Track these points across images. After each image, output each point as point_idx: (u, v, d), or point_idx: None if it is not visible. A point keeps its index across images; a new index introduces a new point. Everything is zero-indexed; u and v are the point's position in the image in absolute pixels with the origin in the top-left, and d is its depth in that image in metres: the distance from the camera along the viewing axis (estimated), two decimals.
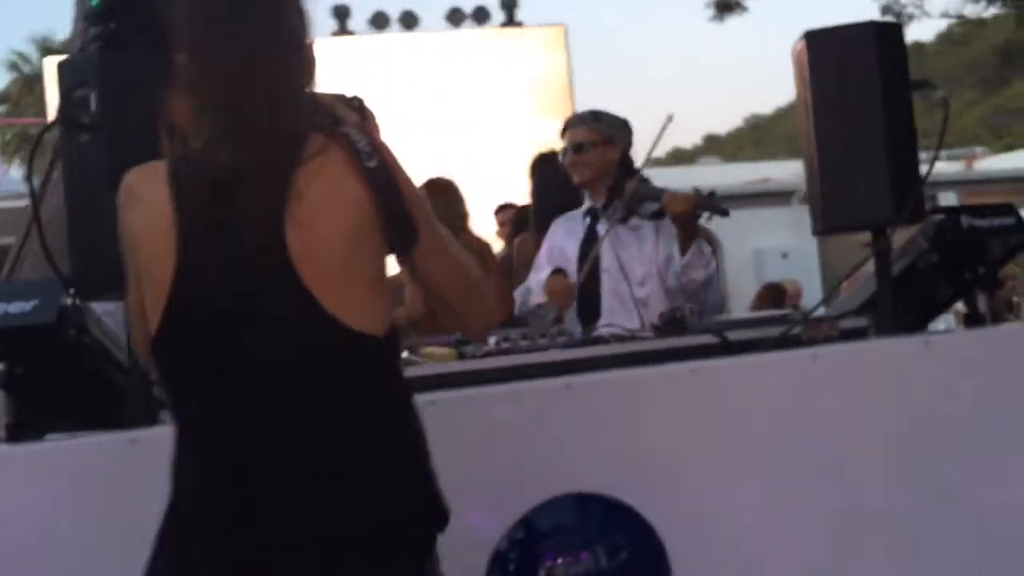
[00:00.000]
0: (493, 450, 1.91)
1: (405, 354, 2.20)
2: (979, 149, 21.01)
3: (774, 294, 6.45)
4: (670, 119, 2.90)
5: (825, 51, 2.24)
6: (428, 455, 1.34)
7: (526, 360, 2.13)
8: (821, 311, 2.37)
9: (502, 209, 5.31)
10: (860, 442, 2.06)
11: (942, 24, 9.53)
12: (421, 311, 2.52)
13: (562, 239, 3.11)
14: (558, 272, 2.96)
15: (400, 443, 1.31)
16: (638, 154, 3.13)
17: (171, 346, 1.28)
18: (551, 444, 1.96)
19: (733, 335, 2.25)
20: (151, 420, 1.85)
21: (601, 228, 2.99)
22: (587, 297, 2.92)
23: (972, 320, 2.36)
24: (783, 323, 2.34)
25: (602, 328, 2.58)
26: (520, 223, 4.49)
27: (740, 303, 9.53)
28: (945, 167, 18.11)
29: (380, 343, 1.28)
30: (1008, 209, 2.42)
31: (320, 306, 1.22)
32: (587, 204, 3.11)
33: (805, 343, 2.23)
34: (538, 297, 2.98)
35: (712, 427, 2.01)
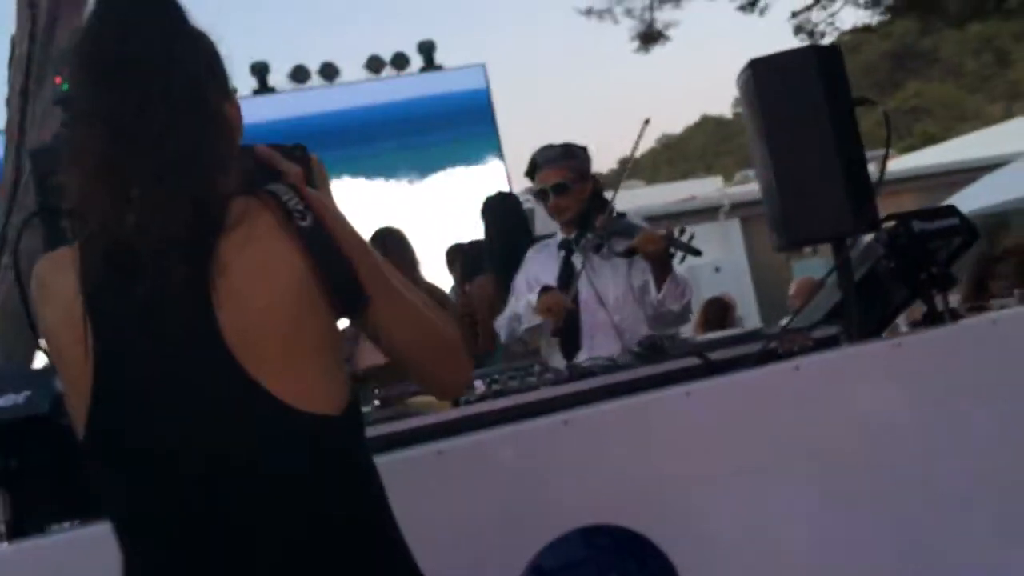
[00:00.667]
0: (502, 493, 1.94)
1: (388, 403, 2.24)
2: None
3: (719, 308, 6.58)
4: (647, 123, 2.99)
5: (771, 77, 2.36)
6: (394, 542, 1.21)
7: (520, 400, 2.16)
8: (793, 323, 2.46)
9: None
10: (848, 446, 2.14)
11: (880, 27, 10.00)
12: (374, 363, 2.53)
13: (538, 269, 3.19)
14: (548, 288, 3.02)
15: (363, 536, 1.18)
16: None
17: (97, 448, 1.14)
18: (556, 481, 1.99)
19: (712, 355, 2.33)
20: None
21: (576, 260, 3.07)
22: (567, 331, 2.98)
23: (932, 319, 2.48)
24: (755, 339, 2.42)
25: (584, 360, 2.63)
26: (471, 262, 4.52)
27: None
28: None
29: (336, 423, 1.14)
30: (951, 211, 2.56)
31: (263, 389, 1.09)
32: (560, 236, 3.18)
33: (783, 356, 2.32)
34: (530, 322, 3.04)
35: (711, 447, 2.07)
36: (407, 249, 3.94)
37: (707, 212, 11.75)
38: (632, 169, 3.32)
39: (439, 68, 9.39)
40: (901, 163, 17.84)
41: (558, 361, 2.93)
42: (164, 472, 1.12)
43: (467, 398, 2.20)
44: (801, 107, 2.34)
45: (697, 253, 2.89)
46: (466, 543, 1.88)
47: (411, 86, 9.38)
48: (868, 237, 2.54)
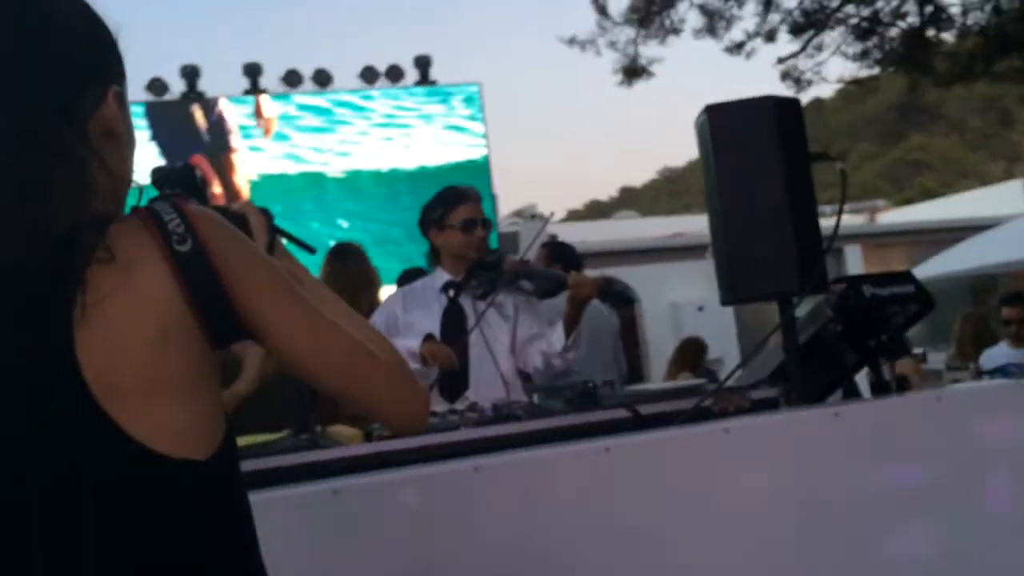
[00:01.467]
0: (399, 539, 1.83)
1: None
2: (881, 202, 21.90)
3: (694, 348, 6.50)
4: (550, 216, 3.01)
5: (726, 124, 2.28)
6: None
7: (435, 440, 2.06)
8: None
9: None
10: (774, 515, 2.04)
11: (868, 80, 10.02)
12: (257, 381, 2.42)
13: (408, 312, 3.09)
14: (430, 337, 2.93)
15: None
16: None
17: None
18: (461, 531, 1.89)
19: (645, 408, 2.23)
20: None
21: (465, 301, 3.03)
22: (453, 373, 2.90)
23: (878, 388, 2.39)
24: (695, 393, 2.33)
25: (507, 402, 2.54)
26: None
27: (659, 356, 9.64)
28: (849, 220, 18.83)
29: (203, 467, 1.02)
30: (906, 277, 2.48)
31: (121, 431, 0.98)
32: (444, 278, 3.10)
33: (717, 415, 2.22)
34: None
35: (626, 506, 1.97)
36: (366, 266, 3.82)
37: (694, 250, 11.66)
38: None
39: (433, 83, 9.33)
40: (895, 216, 17.86)
41: (440, 405, 2.85)
42: (4, 511, 1.00)
43: (380, 432, 2.10)
44: (754, 158, 2.25)
45: (629, 302, 2.86)
46: None
47: (405, 100, 9.32)
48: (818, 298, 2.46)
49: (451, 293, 3.05)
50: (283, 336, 1.08)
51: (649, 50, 9.82)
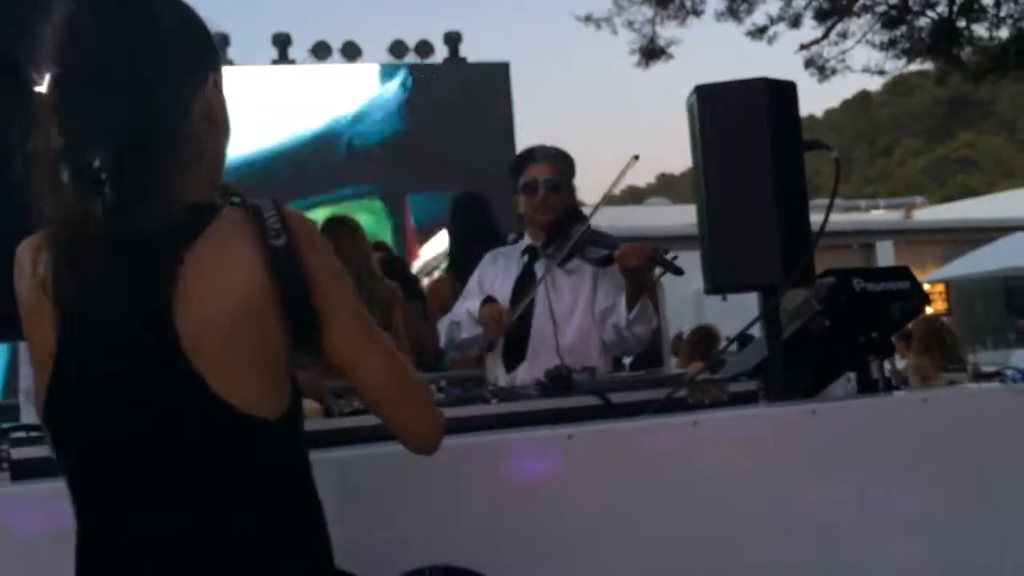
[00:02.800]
0: (352, 518, 1.79)
1: None
2: (919, 199, 21.49)
3: (705, 337, 6.40)
4: (635, 159, 2.81)
5: (716, 107, 2.19)
6: (318, 551, 1.25)
7: None
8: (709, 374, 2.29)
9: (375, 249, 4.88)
10: (736, 511, 1.97)
11: (891, 73, 9.77)
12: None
13: (495, 275, 3.04)
14: (491, 300, 2.87)
15: (282, 542, 1.20)
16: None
17: (53, 425, 1.21)
18: (415, 511, 1.84)
19: (619, 397, 2.16)
20: None
21: (539, 268, 2.93)
22: (515, 339, 2.84)
23: (864, 387, 2.30)
24: (672, 384, 2.26)
25: (502, 381, 2.49)
26: (389, 263, 4.31)
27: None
28: (884, 216, 18.48)
29: (272, 425, 1.18)
30: (903, 272, 2.38)
31: (208, 388, 1.14)
32: (526, 242, 3.04)
33: (691, 407, 2.15)
34: (469, 330, 2.90)
35: (585, 495, 1.91)
36: (360, 239, 3.79)
37: None
38: (610, 197, 3.12)
39: (463, 60, 9.25)
40: (932, 213, 17.49)
41: (500, 372, 2.80)
42: (101, 457, 1.18)
43: (342, 410, 2.06)
44: (744, 143, 2.17)
45: (679, 272, 2.73)
46: None
47: (433, 76, 9.24)
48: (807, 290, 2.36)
49: (526, 258, 2.99)
50: (338, 337, 1.22)
51: (668, 31, 9.64)
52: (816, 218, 2.29)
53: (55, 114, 1.16)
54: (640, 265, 2.71)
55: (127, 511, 1.18)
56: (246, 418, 1.15)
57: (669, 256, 2.71)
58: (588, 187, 3.11)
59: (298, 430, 1.26)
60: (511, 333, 2.85)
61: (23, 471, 1.69)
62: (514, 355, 2.89)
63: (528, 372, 2.79)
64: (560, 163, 2.99)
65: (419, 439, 1.34)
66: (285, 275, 1.16)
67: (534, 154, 3.00)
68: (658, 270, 2.77)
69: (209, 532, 1.17)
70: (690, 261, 2.76)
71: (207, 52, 1.26)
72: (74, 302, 1.15)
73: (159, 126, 1.16)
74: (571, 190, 3.00)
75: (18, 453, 1.70)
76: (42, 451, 1.70)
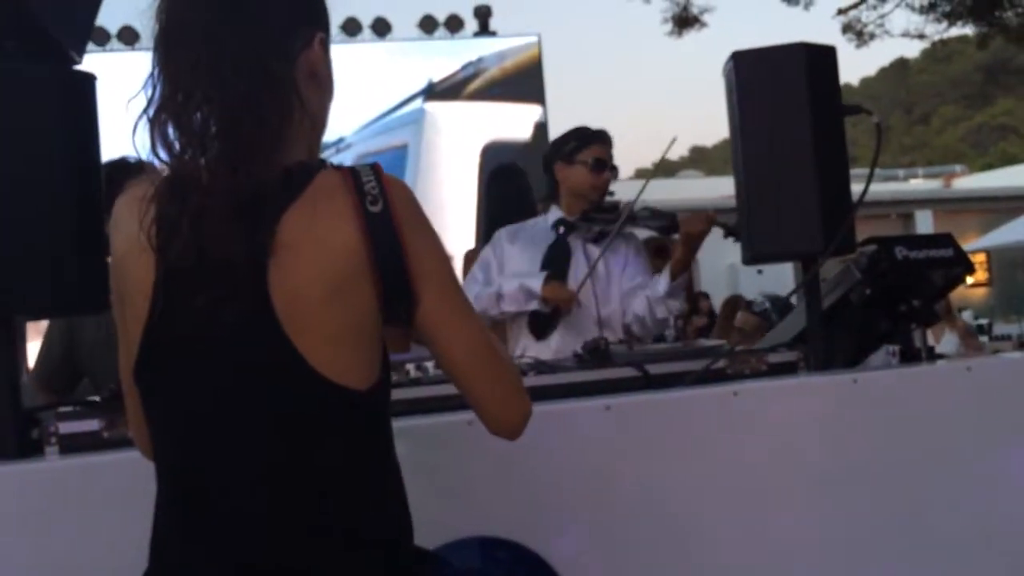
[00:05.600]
0: None
1: None
2: (959, 167, 21.09)
3: (736, 306, 6.36)
4: (674, 140, 3.03)
5: (753, 73, 2.15)
6: (395, 523, 1.23)
7: (433, 392, 2.02)
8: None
9: None
10: (777, 481, 1.96)
11: (931, 37, 9.50)
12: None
13: (519, 251, 3.03)
14: (552, 278, 2.88)
15: (364, 514, 1.19)
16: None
17: (145, 381, 1.21)
18: (456, 483, 1.85)
19: (657, 368, 2.15)
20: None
21: (575, 242, 2.96)
22: (539, 314, 2.85)
23: (906, 356, 2.27)
24: (712, 355, 2.24)
25: (528, 355, 2.49)
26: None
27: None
28: (923, 185, 18.17)
29: (361, 395, 1.16)
30: (946, 240, 2.33)
31: (297, 353, 1.12)
32: (555, 215, 3.04)
33: (730, 377, 2.14)
34: (516, 305, 2.90)
35: (623, 466, 1.91)
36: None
37: None
38: (659, 174, 3.22)
39: (493, 34, 9.20)
40: (972, 182, 17.13)
41: (527, 340, 2.81)
42: (190, 417, 1.17)
43: None
44: (782, 109, 2.13)
45: (738, 236, 2.73)
46: None
47: (464, 50, 9.21)
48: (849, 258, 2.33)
49: (561, 230, 2.99)
50: (431, 309, 1.19)
51: None
52: (855, 187, 2.26)
53: (163, 67, 1.17)
54: (704, 231, 2.71)
55: (209, 473, 1.17)
56: (333, 387, 1.14)
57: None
58: (620, 159, 3.12)
59: (385, 403, 1.24)
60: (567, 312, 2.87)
61: (72, 445, 1.72)
62: (543, 327, 2.89)
63: (562, 342, 2.81)
64: (610, 145, 3.08)
65: (502, 421, 1.26)
66: (381, 242, 1.14)
67: (602, 134, 3.06)
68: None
69: (289, 500, 1.16)
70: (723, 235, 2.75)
71: (315, 8, 1.25)
72: (174, 257, 1.14)
73: (268, 80, 1.15)
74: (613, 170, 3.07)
75: (66, 428, 1.73)
76: (90, 425, 1.74)
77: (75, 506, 1.64)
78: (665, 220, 2.85)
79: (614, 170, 3.02)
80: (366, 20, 8.97)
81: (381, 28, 8.99)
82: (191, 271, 1.13)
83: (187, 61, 1.14)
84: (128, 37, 8.31)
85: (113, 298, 1.27)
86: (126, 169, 2.33)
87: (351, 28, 8.94)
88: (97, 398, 1.88)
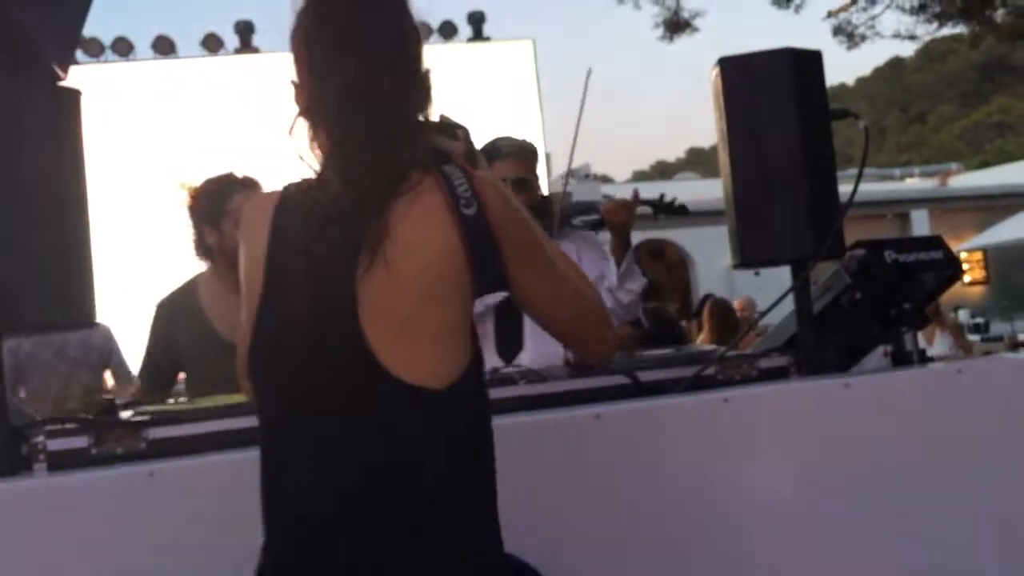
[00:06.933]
0: None
1: None
2: (954, 165, 21.12)
3: (722, 309, 6.37)
4: (589, 72, 2.76)
5: (740, 79, 2.15)
6: (484, 520, 1.27)
7: None
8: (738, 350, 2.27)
9: None
10: (772, 486, 1.96)
11: (922, 38, 9.54)
12: None
13: None
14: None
15: (449, 507, 1.22)
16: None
17: (252, 379, 1.28)
18: None
19: (648, 375, 2.15)
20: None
21: None
22: (507, 330, 2.81)
23: (897, 359, 2.27)
24: (702, 361, 2.23)
25: (519, 362, 2.48)
26: None
27: None
28: (919, 184, 18.18)
29: (440, 395, 1.19)
30: (936, 242, 2.33)
31: (380, 365, 1.16)
32: None
33: (720, 383, 2.13)
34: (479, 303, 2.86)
35: (614, 475, 1.90)
36: None
37: None
38: (578, 126, 3.02)
39: (487, 39, 9.20)
40: (968, 180, 17.15)
41: (494, 363, 2.78)
42: (285, 416, 1.23)
43: None
44: (769, 114, 2.13)
45: (682, 211, 2.72)
46: None
47: (458, 56, 9.19)
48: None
49: None
50: (533, 291, 1.28)
51: (692, 3, 9.48)
52: (848, 188, 2.26)
53: (312, 77, 1.23)
54: (624, 218, 2.73)
55: (306, 469, 1.21)
56: (415, 389, 1.17)
57: (667, 200, 2.71)
58: (616, 162, 3.08)
59: (470, 400, 1.26)
60: (504, 326, 2.79)
61: (60, 462, 1.71)
62: (511, 345, 2.83)
63: (530, 358, 2.75)
64: (525, 157, 2.86)
65: (601, 353, 1.44)
66: (477, 244, 1.18)
67: (500, 150, 2.84)
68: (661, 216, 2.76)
69: (380, 498, 1.19)
70: (720, 235, 2.74)
71: (416, 25, 1.30)
72: (280, 262, 1.21)
73: (401, 90, 1.23)
74: (537, 180, 2.90)
75: (54, 444, 1.73)
76: (79, 443, 1.74)
77: (63, 523, 1.63)
78: (596, 213, 2.83)
79: (523, 185, 2.76)
80: None
81: None
82: (290, 273, 1.20)
83: (329, 72, 1.21)
84: (122, 48, 8.30)
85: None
86: (235, 183, 2.57)
87: None
88: (90, 415, 1.87)
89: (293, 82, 1.28)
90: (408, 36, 1.26)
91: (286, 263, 1.21)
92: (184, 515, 1.64)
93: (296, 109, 1.27)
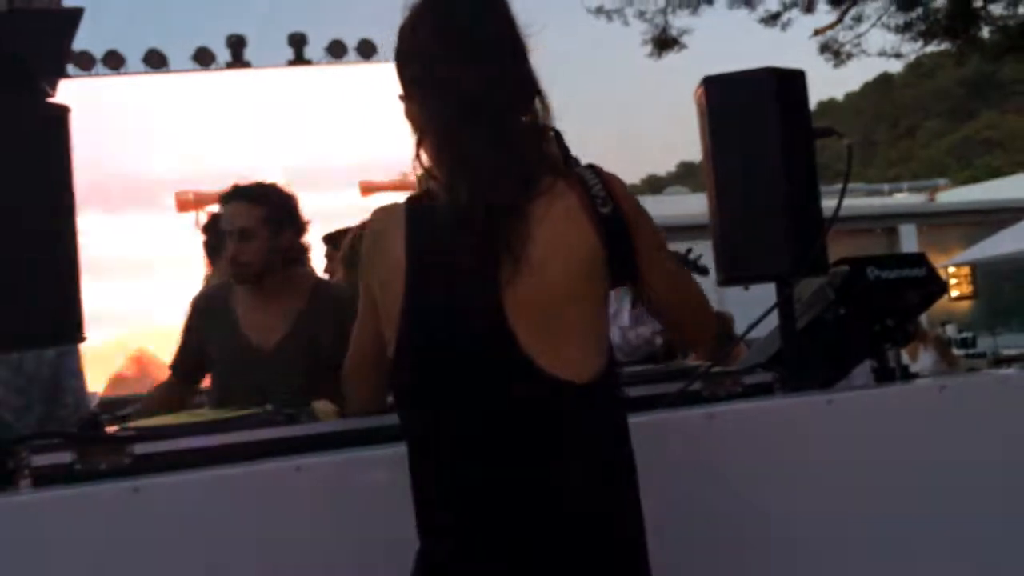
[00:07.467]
0: (362, 520, 1.80)
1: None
2: (942, 181, 21.27)
3: (719, 322, 6.36)
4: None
5: (724, 97, 2.18)
6: (631, 506, 1.33)
7: None
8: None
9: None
10: (755, 503, 1.97)
11: (908, 56, 9.64)
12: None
13: None
14: None
15: (599, 497, 1.28)
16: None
17: (397, 387, 1.33)
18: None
19: (632, 390, 2.16)
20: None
21: None
22: None
23: (880, 375, 2.29)
24: (686, 377, 2.25)
25: None
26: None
27: None
28: (907, 199, 18.31)
29: (584, 388, 1.24)
30: (919, 259, 2.36)
31: (530, 360, 1.21)
32: None
33: (705, 399, 2.14)
34: None
35: None
36: None
37: None
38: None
39: None
40: (956, 195, 17.28)
41: None
42: (437, 421, 1.28)
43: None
44: (752, 133, 2.15)
45: (703, 271, 2.74)
46: (319, 569, 1.75)
47: None
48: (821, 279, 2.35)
49: None
50: (657, 282, 1.35)
51: (680, 20, 9.57)
52: (835, 202, 2.28)
53: (432, 91, 1.27)
54: None
55: (458, 466, 1.27)
56: (561, 383, 1.21)
57: (692, 255, 2.71)
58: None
59: (612, 392, 1.33)
60: None
61: (44, 478, 1.72)
62: None
63: None
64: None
65: (701, 342, 1.57)
66: (614, 242, 1.24)
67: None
68: None
69: (532, 492, 1.23)
70: (708, 250, 2.77)
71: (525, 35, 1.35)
72: (420, 269, 1.24)
73: (522, 98, 1.28)
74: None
75: (39, 460, 1.73)
76: (63, 458, 1.74)
77: (47, 539, 1.63)
78: None
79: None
80: (351, 43, 8.98)
81: (366, 50, 9.00)
82: (436, 284, 1.24)
83: (487, 75, 1.25)
84: (113, 62, 8.30)
85: (362, 284, 1.38)
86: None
87: (337, 50, 8.95)
88: (73, 430, 1.88)
89: (402, 96, 1.32)
90: (522, 45, 1.31)
91: (426, 270, 1.24)
92: (169, 531, 1.64)
93: (407, 123, 1.32)
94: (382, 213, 1.35)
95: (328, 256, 4.30)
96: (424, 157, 1.31)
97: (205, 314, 2.74)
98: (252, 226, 2.63)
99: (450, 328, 1.24)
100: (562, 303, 1.22)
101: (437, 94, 1.27)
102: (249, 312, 2.68)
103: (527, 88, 1.29)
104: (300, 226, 2.78)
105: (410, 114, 1.33)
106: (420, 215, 1.28)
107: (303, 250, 2.86)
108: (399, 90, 1.34)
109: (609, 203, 1.25)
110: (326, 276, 4.28)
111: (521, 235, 1.20)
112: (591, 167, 1.30)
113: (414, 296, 1.25)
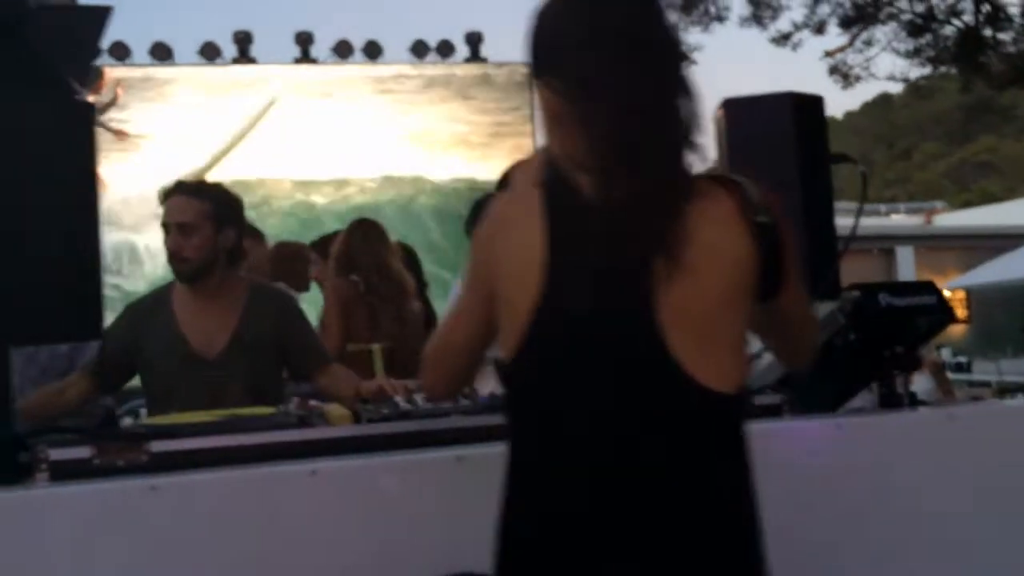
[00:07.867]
0: (375, 525, 1.81)
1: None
2: (939, 204, 21.41)
3: None
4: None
5: (743, 120, 2.21)
6: (758, 519, 1.29)
7: (422, 427, 2.03)
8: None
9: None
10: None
11: (919, 80, 9.76)
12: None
13: None
14: None
15: (740, 520, 1.26)
16: None
17: (518, 379, 1.27)
18: (439, 520, 1.86)
19: None
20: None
21: None
22: None
23: (888, 402, 2.31)
24: None
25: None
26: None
27: None
28: (904, 221, 18.45)
29: (732, 399, 1.22)
30: (929, 287, 2.38)
31: (681, 369, 1.17)
32: None
33: None
34: None
35: None
36: (384, 241, 3.88)
37: None
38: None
39: (484, 60, 9.27)
40: (952, 219, 17.41)
41: (493, 386, 2.80)
42: (562, 421, 1.22)
43: (370, 415, 2.08)
44: (770, 157, 2.18)
45: None
46: (328, 571, 1.76)
47: (454, 76, 9.26)
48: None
49: None
50: (791, 304, 1.33)
51: (691, 37, 9.64)
52: (840, 223, 2.31)
53: (581, 85, 1.22)
54: None
55: (586, 469, 1.22)
56: (713, 394, 1.19)
57: None
58: None
59: (747, 404, 1.33)
60: None
61: (62, 472, 1.72)
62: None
63: None
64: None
65: (804, 362, 1.52)
66: (769, 253, 1.22)
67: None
68: None
69: (666, 504, 1.20)
70: None
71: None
72: (564, 264, 1.19)
73: (676, 96, 1.24)
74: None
75: (57, 454, 1.74)
76: (81, 453, 1.75)
77: (64, 534, 1.64)
78: None
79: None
80: (358, 43, 9.01)
81: (373, 51, 9.02)
82: (583, 282, 1.18)
83: (628, 75, 1.21)
84: (119, 52, 8.31)
85: (471, 277, 1.34)
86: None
87: (343, 50, 8.97)
88: (85, 426, 1.89)
89: (540, 87, 1.27)
90: (676, 43, 1.31)
91: (570, 267, 1.19)
92: (184, 531, 1.65)
93: (544, 115, 1.28)
94: (507, 202, 1.31)
95: (315, 262, 4.33)
96: (559, 144, 1.26)
97: (140, 319, 2.64)
98: (193, 220, 2.55)
99: (593, 329, 1.19)
100: (715, 310, 1.19)
101: (587, 88, 1.22)
102: (189, 314, 2.60)
103: (680, 86, 1.25)
104: (242, 227, 2.71)
105: (546, 105, 1.28)
106: (561, 206, 1.22)
107: (244, 253, 2.79)
108: (535, 75, 1.29)
109: (765, 212, 1.23)
110: (315, 282, 4.32)
111: (680, 236, 1.16)
112: (749, 176, 1.29)
113: (554, 294, 1.19)
